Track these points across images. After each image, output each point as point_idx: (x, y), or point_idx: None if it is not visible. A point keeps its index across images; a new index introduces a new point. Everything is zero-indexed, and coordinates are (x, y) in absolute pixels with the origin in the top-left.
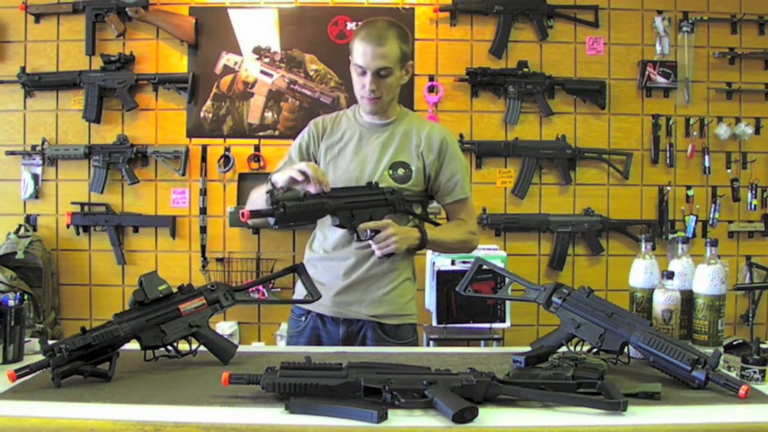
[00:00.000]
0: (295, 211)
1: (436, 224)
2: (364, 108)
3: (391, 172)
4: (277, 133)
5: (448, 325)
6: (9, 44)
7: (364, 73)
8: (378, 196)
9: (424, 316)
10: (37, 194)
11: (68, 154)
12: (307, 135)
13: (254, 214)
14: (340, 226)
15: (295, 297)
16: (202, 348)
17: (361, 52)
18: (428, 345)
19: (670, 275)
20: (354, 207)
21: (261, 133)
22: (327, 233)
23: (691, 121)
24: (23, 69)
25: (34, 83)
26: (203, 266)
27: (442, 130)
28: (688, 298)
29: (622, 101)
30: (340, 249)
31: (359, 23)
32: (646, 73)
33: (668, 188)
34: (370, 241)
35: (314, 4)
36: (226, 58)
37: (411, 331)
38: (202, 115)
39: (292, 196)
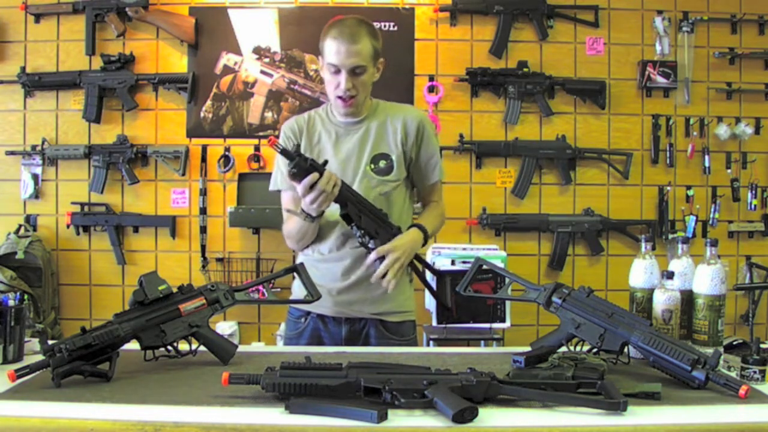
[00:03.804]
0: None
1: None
2: (338, 109)
3: (372, 166)
4: (276, 133)
5: (448, 325)
6: (9, 44)
7: (338, 72)
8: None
9: (424, 316)
10: (37, 194)
11: (68, 154)
12: (287, 140)
13: (282, 151)
14: (344, 216)
15: (293, 298)
16: (202, 348)
17: (334, 51)
18: (428, 345)
19: (670, 275)
20: (364, 213)
21: (261, 133)
22: (322, 236)
23: (691, 121)
24: (23, 69)
25: (34, 83)
26: (203, 266)
27: (417, 113)
28: (688, 298)
29: (622, 101)
30: (335, 251)
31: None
32: (646, 73)
33: (668, 188)
34: (379, 265)
35: (314, 4)
36: (226, 58)
37: (411, 328)
38: (202, 115)
39: (317, 162)
